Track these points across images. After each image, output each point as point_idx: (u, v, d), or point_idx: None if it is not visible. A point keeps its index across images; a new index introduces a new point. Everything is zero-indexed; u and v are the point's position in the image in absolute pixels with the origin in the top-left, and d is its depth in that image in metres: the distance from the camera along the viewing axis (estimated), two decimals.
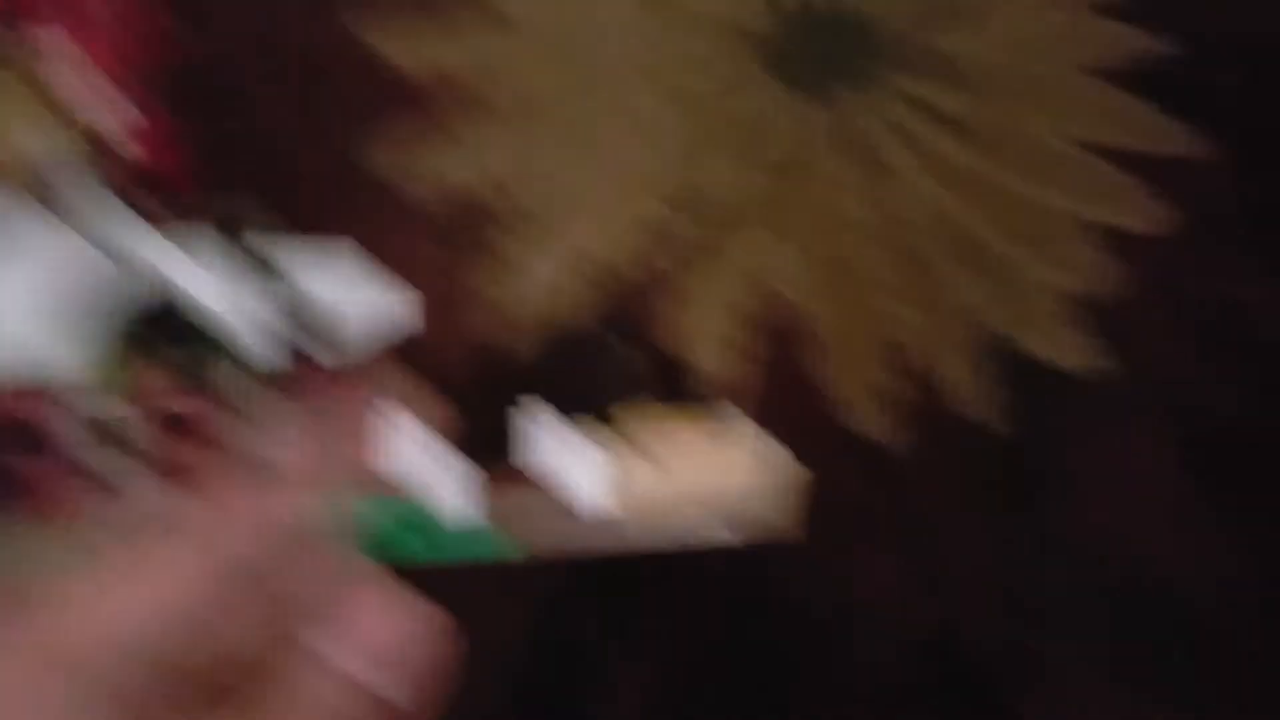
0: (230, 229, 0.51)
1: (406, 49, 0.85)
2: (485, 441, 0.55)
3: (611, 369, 0.68)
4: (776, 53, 0.91)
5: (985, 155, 0.88)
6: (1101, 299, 0.82)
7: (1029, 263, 0.83)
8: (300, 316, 0.52)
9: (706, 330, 0.77)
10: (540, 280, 0.77)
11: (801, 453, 0.74)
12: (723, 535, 0.50)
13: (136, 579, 0.35)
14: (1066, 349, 0.79)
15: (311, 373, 0.52)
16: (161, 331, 0.54)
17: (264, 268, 0.52)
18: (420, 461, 0.50)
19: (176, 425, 0.53)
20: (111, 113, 0.52)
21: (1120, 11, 0.95)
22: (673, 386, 0.74)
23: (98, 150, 0.53)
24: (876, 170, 0.86)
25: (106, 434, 0.52)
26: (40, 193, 0.49)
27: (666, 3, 0.91)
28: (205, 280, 0.53)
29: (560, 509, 0.50)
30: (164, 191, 0.54)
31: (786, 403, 0.75)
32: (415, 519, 0.49)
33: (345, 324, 0.51)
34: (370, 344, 0.54)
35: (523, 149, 0.82)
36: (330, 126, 0.80)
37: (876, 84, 0.90)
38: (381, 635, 0.38)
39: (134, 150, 0.52)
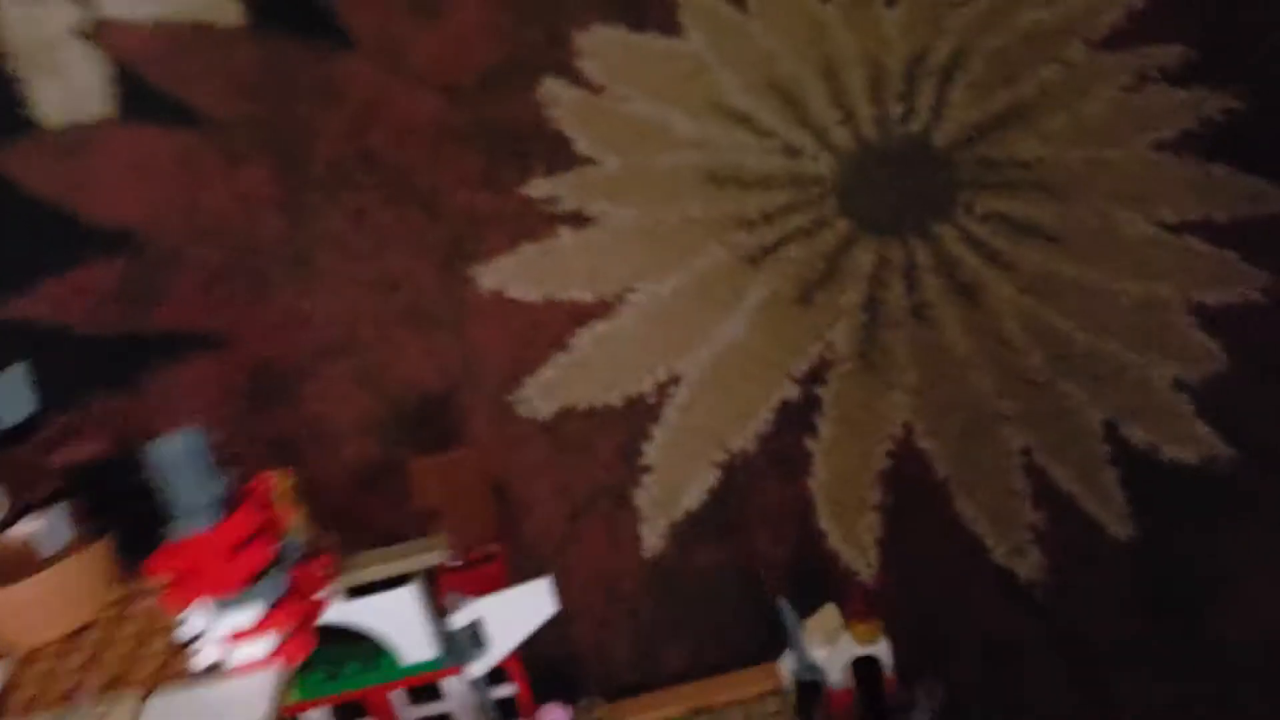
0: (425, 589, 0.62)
1: (520, 280, 0.91)
2: None
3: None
4: (850, 195, 0.95)
5: (1079, 260, 0.90)
6: (1214, 383, 0.83)
7: (1139, 359, 0.85)
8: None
9: (841, 497, 0.80)
10: (680, 477, 0.81)
11: (948, 593, 0.76)
12: None
13: None
14: (1189, 444, 0.80)
15: None
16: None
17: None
18: None
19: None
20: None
21: (1174, 76, 0.96)
22: (817, 578, 0.77)
23: None
24: (970, 298, 0.89)
25: None
26: None
27: (730, 171, 0.96)
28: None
29: None
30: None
31: (923, 553, 0.77)
32: None
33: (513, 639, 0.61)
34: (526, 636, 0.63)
35: (635, 349, 0.87)
36: (482, 374, 0.87)
37: (956, 207, 0.93)
38: None
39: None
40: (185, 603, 0.59)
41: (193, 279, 0.94)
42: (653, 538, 0.81)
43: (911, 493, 0.81)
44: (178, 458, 0.56)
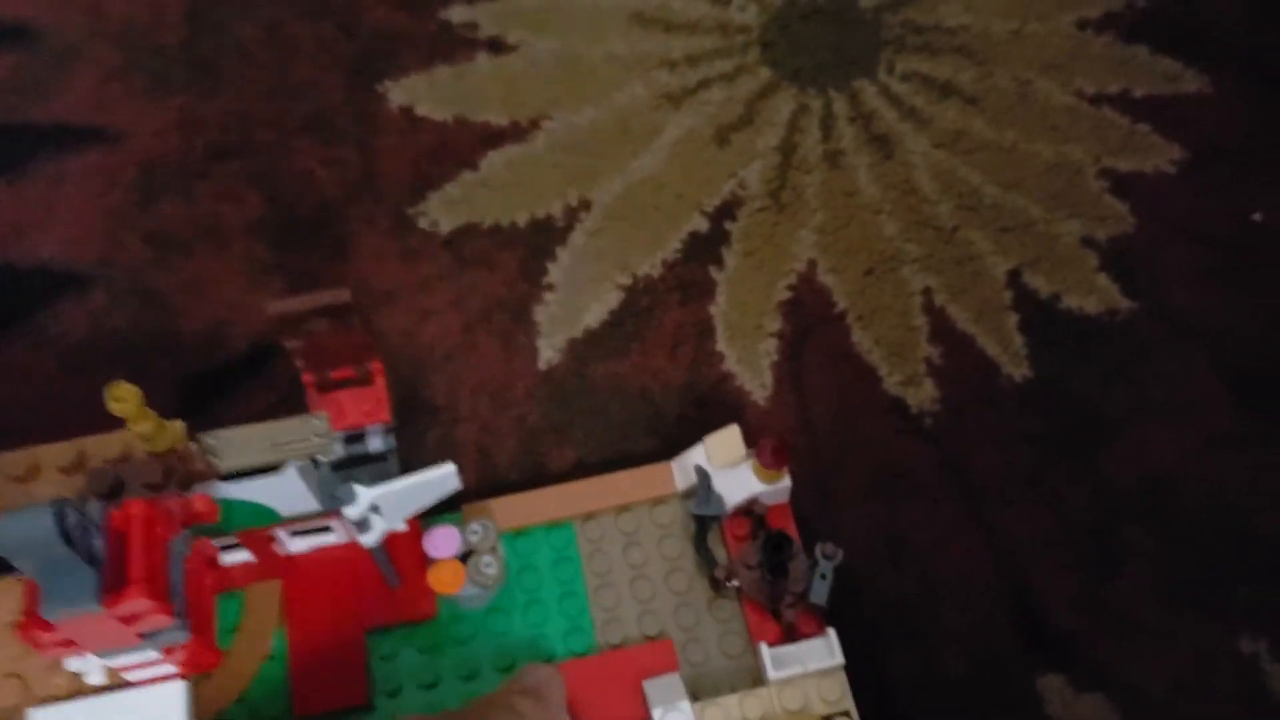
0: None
1: (431, 99, 0.89)
2: None
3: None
4: (774, 47, 0.94)
5: (994, 122, 0.90)
6: (1120, 242, 0.83)
7: (1048, 216, 0.85)
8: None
9: (741, 323, 0.79)
10: (582, 297, 0.79)
11: (839, 417, 0.76)
12: None
13: None
14: (1091, 295, 0.80)
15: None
16: None
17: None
18: None
19: None
20: None
21: None
22: (712, 396, 0.76)
23: None
24: (884, 149, 0.89)
25: None
26: None
27: (657, 13, 0.94)
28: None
29: None
30: None
31: (819, 379, 0.76)
32: None
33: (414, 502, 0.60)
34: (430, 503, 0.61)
35: (546, 174, 0.85)
36: (383, 186, 0.84)
37: (878, 65, 0.93)
38: None
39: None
40: (64, 654, 0.51)
41: (90, 76, 0.90)
42: (549, 351, 0.79)
43: (810, 323, 0.80)
44: (32, 545, 0.45)
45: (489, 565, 0.66)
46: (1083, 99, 0.92)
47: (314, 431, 0.57)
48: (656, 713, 0.63)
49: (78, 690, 0.57)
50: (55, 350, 0.77)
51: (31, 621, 0.46)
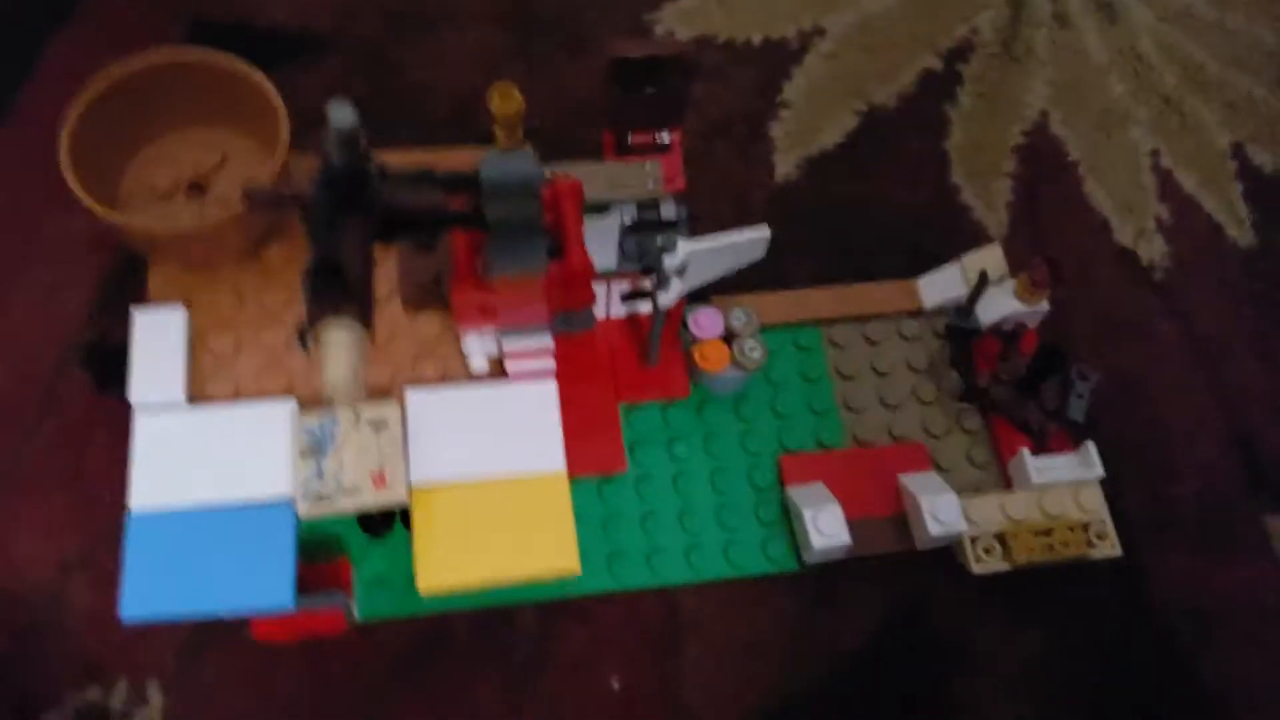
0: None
1: None
2: None
3: None
4: None
5: (1217, 3, 0.90)
6: None
7: (1270, 97, 0.86)
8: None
9: (976, 160, 0.79)
10: (818, 118, 0.79)
11: (1078, 266, 0.76)
12: None
13: None
14: None
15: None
16: None
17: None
18: None
19: None
20: None
21: None
22: (948, 224, 0.76)
23: None
24: (1109, 15, 0.89)
25: None
26: None
27: None
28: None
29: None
30: None
31: (1053, 223, 0.77)
32: None
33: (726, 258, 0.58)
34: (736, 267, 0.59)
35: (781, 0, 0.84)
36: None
37: None
38: None
39: None
40: (476, 323, 0.51)
41: None
42: (786, 166, 0.79)
43: (1044, 169, 0.81)
44: (512, 186, 0.44)
45: (753, 349, 0.67)
46: None
47: (650, 176, 0.57)
48: (924, 501, 0.64)
49: (446, 377, 0.57)
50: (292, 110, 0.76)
51: (466, 278, 0.46)
